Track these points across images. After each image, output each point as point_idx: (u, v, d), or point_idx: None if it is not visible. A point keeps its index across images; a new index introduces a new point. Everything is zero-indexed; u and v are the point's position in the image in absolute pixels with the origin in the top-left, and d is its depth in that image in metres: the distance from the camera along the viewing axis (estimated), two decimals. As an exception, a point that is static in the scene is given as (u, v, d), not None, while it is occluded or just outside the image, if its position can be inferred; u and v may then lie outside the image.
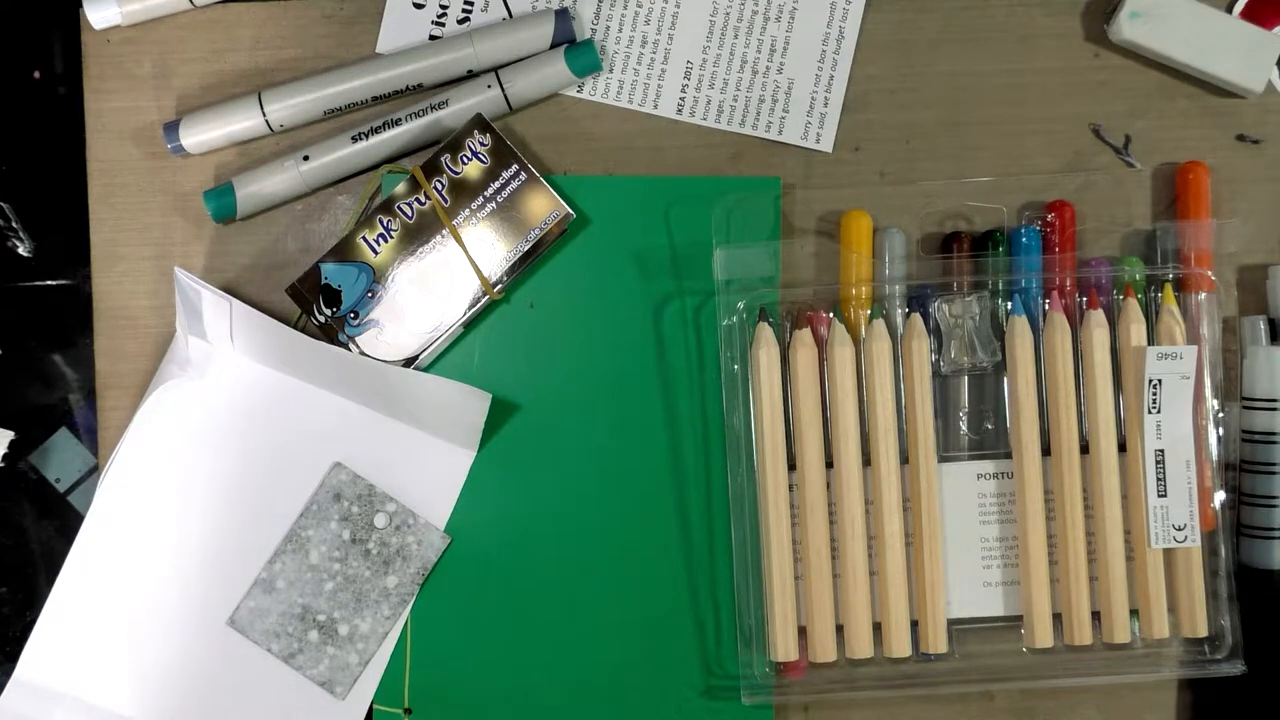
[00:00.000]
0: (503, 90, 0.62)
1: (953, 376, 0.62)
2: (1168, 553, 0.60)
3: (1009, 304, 0.61)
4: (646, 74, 0.64)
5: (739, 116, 0.64)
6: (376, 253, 0.61)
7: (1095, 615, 0.61)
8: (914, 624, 0.61)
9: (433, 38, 0.64)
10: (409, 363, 0.62)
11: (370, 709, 0.62)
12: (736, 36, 0.64)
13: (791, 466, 0.61)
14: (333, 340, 0.61)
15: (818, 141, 0.64)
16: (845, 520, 0.60)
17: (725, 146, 0.64)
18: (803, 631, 0.61)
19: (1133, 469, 0.60)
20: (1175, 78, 0.64)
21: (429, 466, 0.63)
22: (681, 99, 0.64)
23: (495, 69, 0.63)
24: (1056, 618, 0.61)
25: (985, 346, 0.61)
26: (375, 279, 0.61)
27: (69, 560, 0.62)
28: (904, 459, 0.61)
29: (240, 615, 0.62)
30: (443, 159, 0.61)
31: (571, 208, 0.62)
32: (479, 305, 0.62)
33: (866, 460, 0.61)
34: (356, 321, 0.61)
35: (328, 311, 0.61)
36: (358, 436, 0.63)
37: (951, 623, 0.61)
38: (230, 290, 0.62)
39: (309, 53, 0.64)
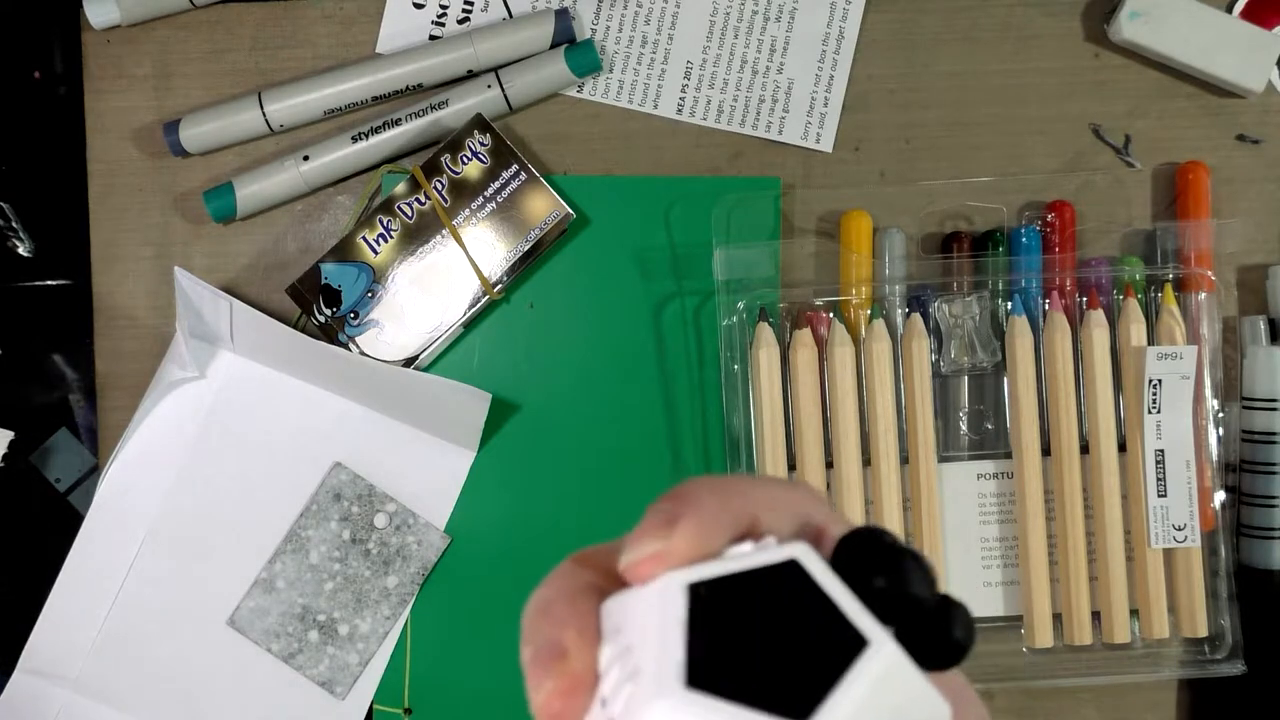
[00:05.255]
0: (503, 90, 0.62)
1: (953, 376, 0.62)
2: (1168, 553, 0.60)
3: (1009, 304, 0.61)
4: (646, 74, 0.64)
5: (739, 116, 0.64)
6: (376, 253, 0.61)
7: (1095, 615, 0.61)
8: (914, 624, 0.61)
9: (433, 38, 0.64)
10: (409, 363, 0.62)
11: (370, 709, 0.62)
12: (736, 36, 0.64)
13: (791, 466, 0.61)
14: (333, 340, 0.61)
15: (818, 141, 0.63)
16: (845, 520, 0.60)
17: (725, 146, 0.64)
18: (803, 631, 0.61)
19: (1133, 469, 0.60)
20: (1175, 78, 0.64)
21: (429, 466, 0.63)
22: (681, 99, 0.64)
23: (495, 69, 0.62)
24: (1056, 618, 0.61)
25: (985, 346, 0.61)
26: (375, 279, 0.61)
27: (69, 560, 0.62)
28: (904, 459, 0.61)
29: (240, 615, 0.62)
30: (443, 159, 0.61)
31: (571, 208, 0.62)
32: (479, 305, 0.62)
33: (866, 460, 0.61)
34: (356, 321, 0.61)
35: (328, 311, 0.61)
36: (358, 436, 0.63)
37: (951, 623, 0.61)
38: (230, 290, 0.62)
39: (309, 53, 0.64)
